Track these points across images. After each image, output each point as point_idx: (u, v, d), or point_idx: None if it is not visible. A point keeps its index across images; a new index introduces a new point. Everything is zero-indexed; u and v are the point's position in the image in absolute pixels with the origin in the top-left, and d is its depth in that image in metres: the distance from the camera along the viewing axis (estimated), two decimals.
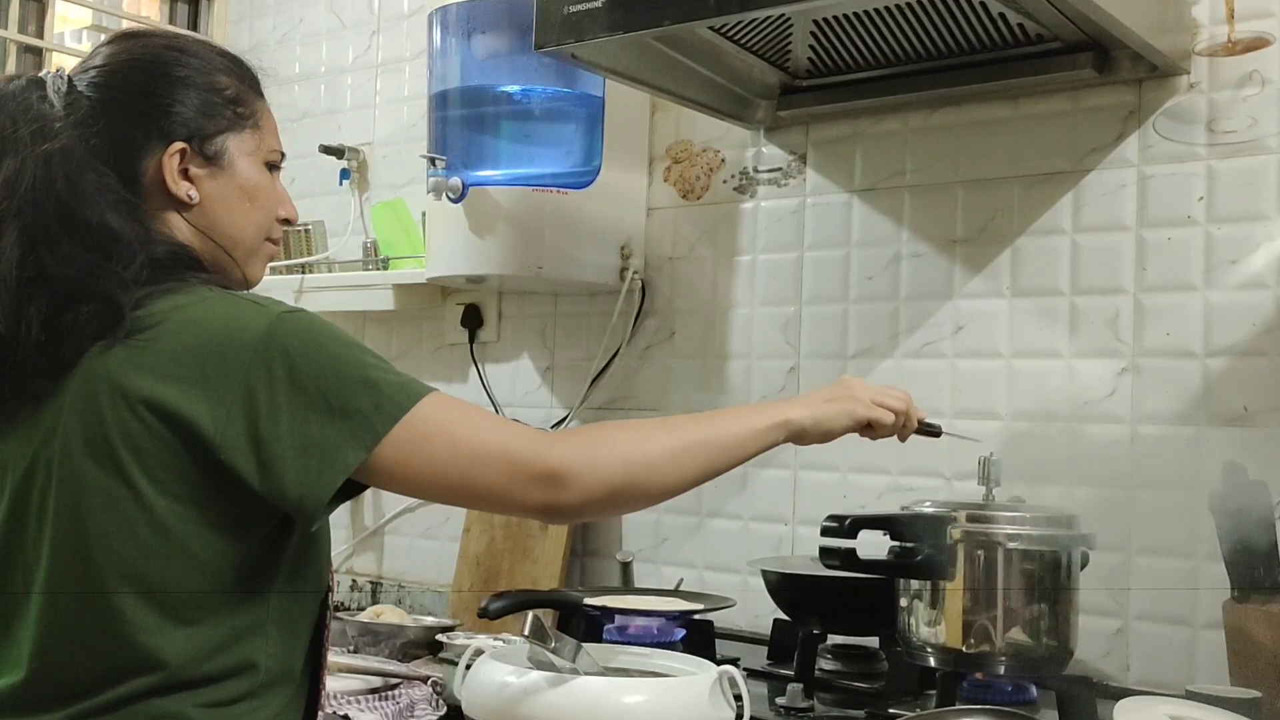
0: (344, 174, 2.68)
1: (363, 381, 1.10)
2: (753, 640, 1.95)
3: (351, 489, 1.12)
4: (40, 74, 1.21)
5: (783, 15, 1.69)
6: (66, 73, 1.21)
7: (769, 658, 1.84)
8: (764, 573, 1.84)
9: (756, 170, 2.16)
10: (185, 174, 1.20)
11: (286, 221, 1.30)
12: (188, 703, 1.10)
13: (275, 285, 2.65)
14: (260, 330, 1.09)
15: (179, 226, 1.20)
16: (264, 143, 1.28)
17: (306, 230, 2.68)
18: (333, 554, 2.66)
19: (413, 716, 1.63)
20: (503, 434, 1.14)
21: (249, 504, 1.10)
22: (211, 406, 1.07)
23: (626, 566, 2.17)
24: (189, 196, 1.20)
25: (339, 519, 2.64)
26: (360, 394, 1.09)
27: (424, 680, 1.73)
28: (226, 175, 1.23)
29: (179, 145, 1.19)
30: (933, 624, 1.52)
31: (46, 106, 1.17)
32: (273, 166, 1.29)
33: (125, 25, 3.00)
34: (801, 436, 1.34)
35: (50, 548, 1.11)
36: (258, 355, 1.08)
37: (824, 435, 1.36)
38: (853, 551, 1.52)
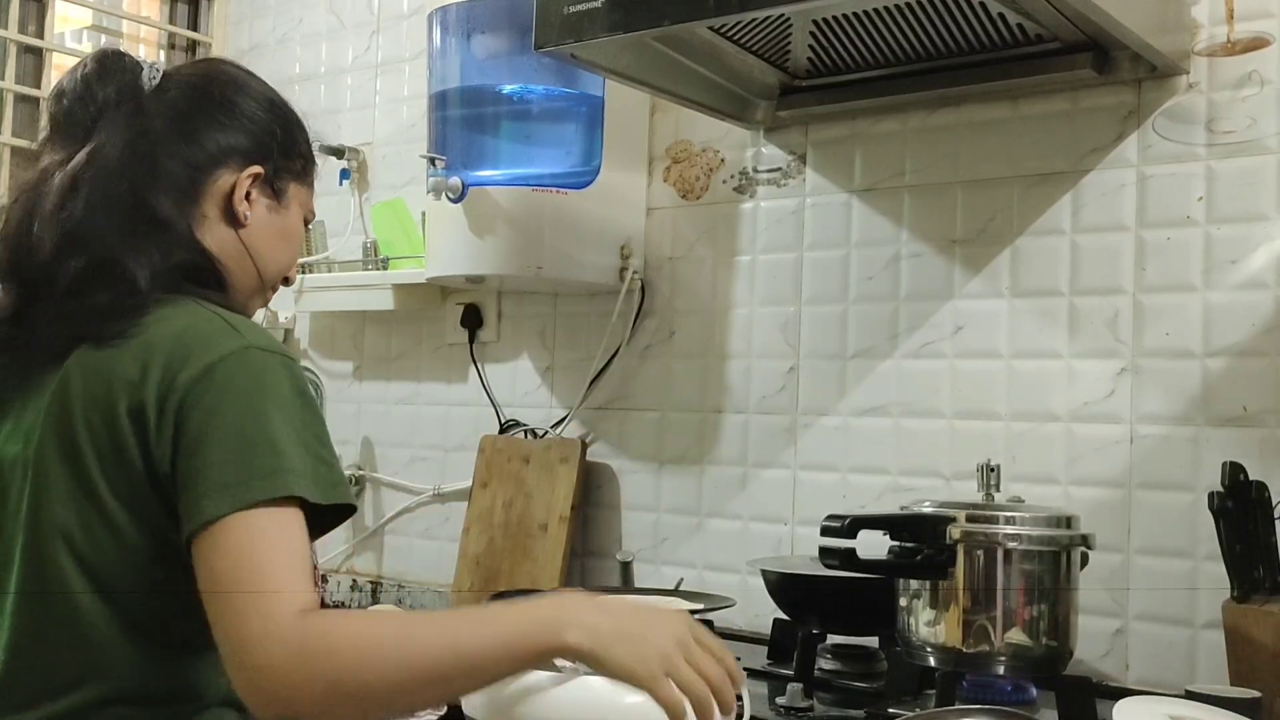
0: (344, 174, 2.68)
1: (269, 447, 1.08)
2: (753, 640, 1.95)
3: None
4: (138, 60, 1.28)
5: (782, 15, 1.69)
6: (161, 68, 1.29)
7: (769, 657, 1.84)
8: (764, 572, 1.85)
9: (756, 170, 2.16)
10: (248, 196, 1.28)
11: (286, 281, 1.38)
12: (140, 717, 1.11)
13: None
14: (221, 354, 1.11)
15: (222, 239, 1.27)
16: (309, 201, 1.38)
17: (306, 230, 2.68)
18: (333, 554, 2.67)
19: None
20: (264, 596, 1.02)
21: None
22: (157, 411, 1.10)
23: (626, 566, 2.17)
24: (244, 216, 1.28)
25: None
26: (261, 459, 1.07)
27: None
28: (279, 213, 1.32)
29: (258, 169, 1.29)
30: (932, 624, 1.52)
31: (143, 88, 1.25)
32: (306, 222, 1.39)
33: (125, 25, 3.00)
34: (565, 657, 1.12)
35: (21, 547, 1.14)
36: (205, 380, 1.10)
37: (606, 673, 1.11)
38: (853, 551, 1.52)
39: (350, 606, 2.50)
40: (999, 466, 1.59)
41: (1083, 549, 1.55)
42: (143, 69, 1.27)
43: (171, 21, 3.03)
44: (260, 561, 1.04)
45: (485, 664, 1.08)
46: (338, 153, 2.66)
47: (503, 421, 2.43)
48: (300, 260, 2.61)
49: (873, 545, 1.53)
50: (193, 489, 1.07)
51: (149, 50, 3.04)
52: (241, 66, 1.38)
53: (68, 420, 1.13)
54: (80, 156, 1.21)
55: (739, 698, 1.35)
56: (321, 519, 1.13)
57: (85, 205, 1.18)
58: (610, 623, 1.09)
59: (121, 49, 1.31)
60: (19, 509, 1.14)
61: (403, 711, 1.13)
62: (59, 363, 1.15)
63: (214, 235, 1.27)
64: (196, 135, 1.26)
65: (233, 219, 1.27)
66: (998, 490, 1.58)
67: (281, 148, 1.32)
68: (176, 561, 1.09)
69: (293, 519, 1.08)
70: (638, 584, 2.16)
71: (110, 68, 1.26)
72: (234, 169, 1.28)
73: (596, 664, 1.09)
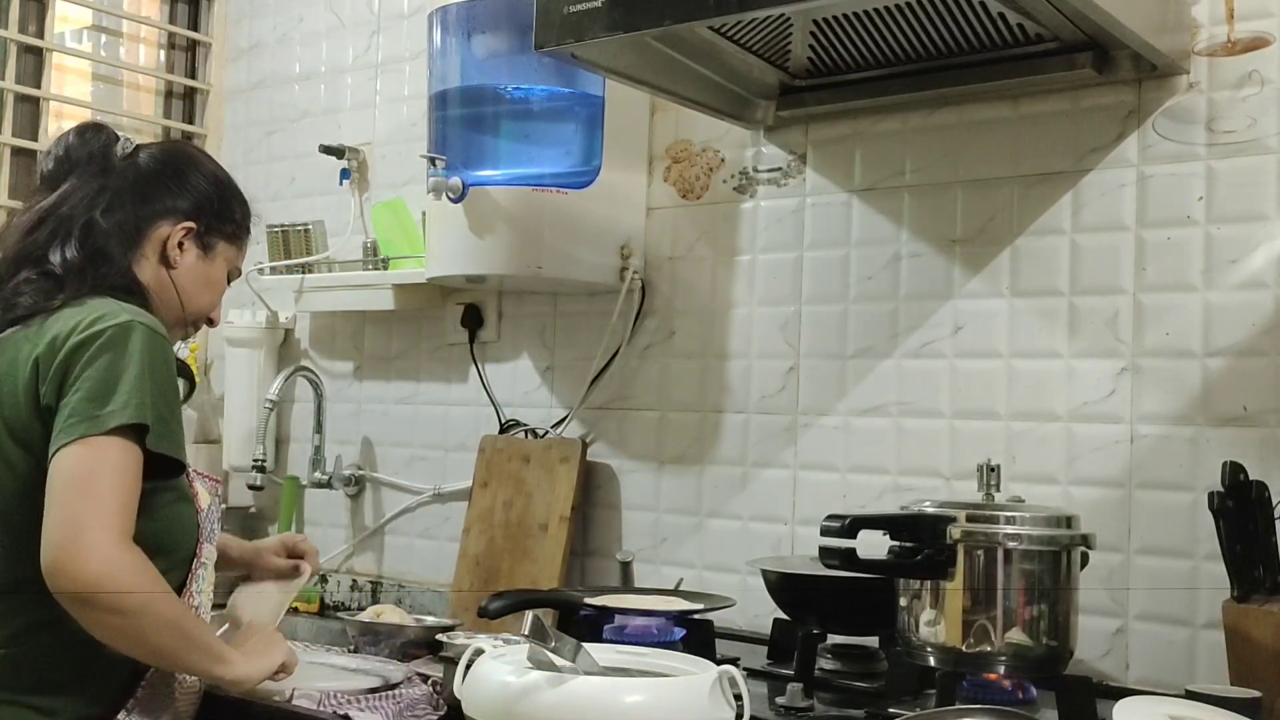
0: (344, 174, 2.68)
1: (130, 392, 1.38)
2: (753, 640, 1.95)
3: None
4: (116, 134, 1.64)
5: (782, 15, 1.69)
6: (136, 143, 1.65)
7: (769, 657, 1.84)
8: (764, 572, 1.85)
9: (756, 170, 2.16)
10: (180, 245, 1.61)
11: (210, 322, 1.70)
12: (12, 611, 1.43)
13: (276, 285, 2.66)
14: (113, 323, 1.42)
15: (155, 276, 1.59)
16: (235, 259, 1.70)
17: (306, 230, 2.68)
18: (333, 554, 2.67)
19: (413, 716, 1.63)
20: (112, 505, 1.35)
21: None
22: (49, 358, 1.41)
23: (626, 566, 2.18)
24: (175, 260, 1.60)
25: (339, 517, 2.64)
26: (121, 398, 1.37)
27: (424, 680, 1.73)
28: (206, 262, 1.64)
29: (191, 224, 1.62)
30: (932, 624, 1.52)
31: (115, 156, 1.60)
32: (229, 280, 1.70)
33: (125, 25, 3.00)
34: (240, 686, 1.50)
35: None
36: (95, 334, 1.41)
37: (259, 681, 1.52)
38: (853, 551, 1.52)
39: (350, 606, 2.50)
40: (999, 466, 1.59)
41: (1083, 549, 1.55)
42: (118, 140, 1.62)
43: (171, 21, 3.03)
44: (96, 481, 1.35)
45: (185, 660, 1.44)
46: (338, 152, 2.66)
47: (503, 421, 2.43)
48: (300, 260, 2.65)
49: (873, 545, 1.53)
50: (60, 418, 1.38)
51: (149, 50, 3.04)
52: (201, 150, 1.77)
53: None
54: (48, 200, 1.57)
55: (738, 697, 1.35)
56: (154, 469, 1.43)
57: (46, 237, 1.53)
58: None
59: (101, 123, 1.67)
60: None
61: (143, 652, 1.42)
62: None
63: (148, 272, 1.58)
64: (148, 193, 1.60)
65: (165, 261, 1.60)
66: (998, 490, 1.59)
67: (216, 213, 1.64)
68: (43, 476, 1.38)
69: (129, 453, 1.38)
70: (638, 584, 2.16)
71: (89, 138, 1.61)
72: (171, 222, 1.60)
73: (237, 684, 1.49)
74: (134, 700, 1.45)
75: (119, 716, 1.45)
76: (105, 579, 1.33)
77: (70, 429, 1.37)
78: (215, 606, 1.63)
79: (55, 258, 1.52)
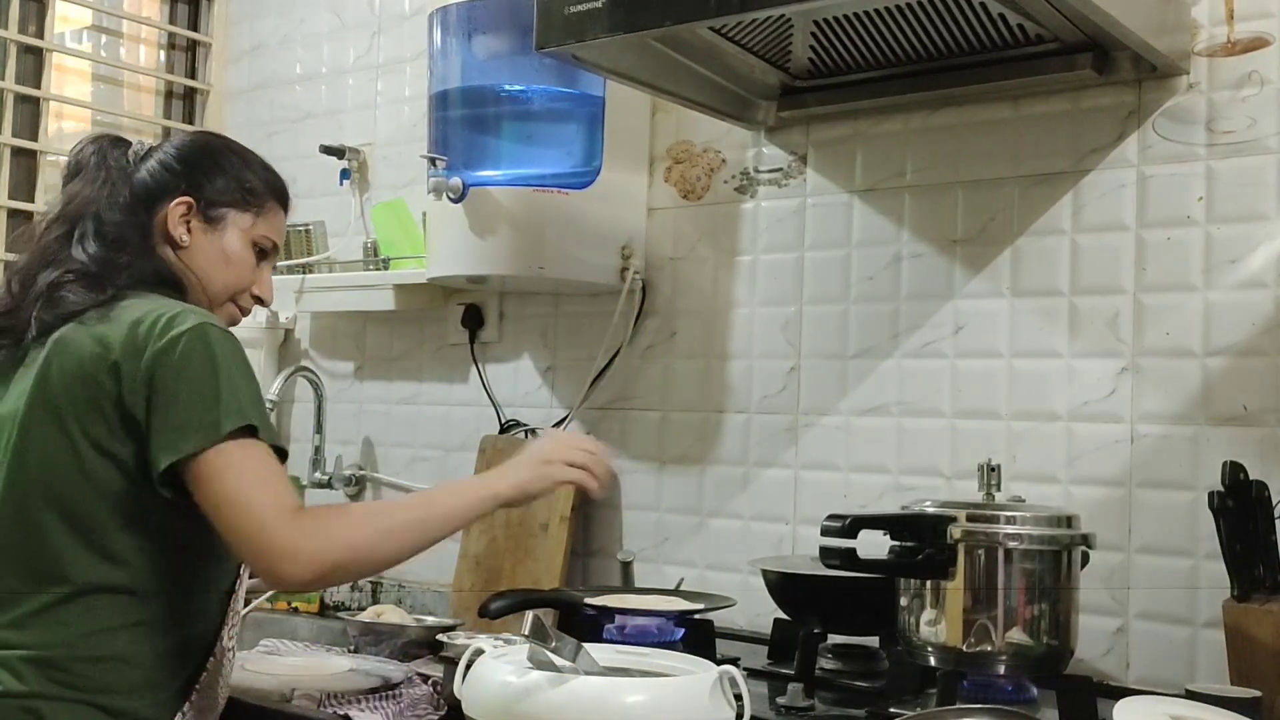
0: (344, 174, 2.68)
1: (230, 395, 1.38)
2: (753, 640, 1.95)
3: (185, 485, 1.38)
4: (129, 139, 1.63)
5: (783, 16, 1.69)
6: (150, 145, 1.62)
7: (769, 657, 1.84)
8: (764, 572, 1.85)
9: (757, 170, 2.16)
10: (186, 223, 1.56)
11: (259, 301, 1.65)
12: (88, 611, 1.39)
13: (276, 285, 2.65)
14: (184, 328, 1.39)
15: (170, 260, 1.55)
16: (257, 228, 1.62)
17: (307, 230, 2.68)
18: None
19: (413, 716, 1.63)
20: (271, 497, 1.37)
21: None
22: (132, 370, 1.38)
23: (627, 566, 2.18)
24: (180, 239, 1.55)
25: None
26: (223, 403, 1.37)
27: (424, 680, 1.73)
28: (214, 236, 1.58)
29: (187, 199, 1.56)
30: (933, 623, 1.52)
31: (121, 159, 1.58)
32: (261, 251, 1.63)
33: (125, 26, 3.00)
34: (510, 504, 1.58)
35: (2, 483, 1.42)
36: (172, 345, 1.38)
37: (530, 499, 1.61)
38: (853, 551, 1.52)
39: (350, 607, 2.50)
40: (999, 466, 1.59)
41: (1083, 548, 1.55)
42: (131, 145, 1.60)
43: (172, 21, 3.03)
44: (251, 477, 1.36)
45: (439, 519, 1.50)
46: (339, 153, 2.66)
47: (504, 421, 2.43)
48: (301, 260, 2.65)
49: (873, 545, 1.54)
50: (170, 429, 1.36)
51: (149, 50, 3.04)
52: (223, 136, 1.69)
53: (51, 384, 1.41)
54: (53, 205, 1.57)
55: (738, 697, 1.35)
56: None
57: (61, 236, 1.52)
58: (519, 469, 1.58)
59: (120, 136, 1.63)
60: (5, 454, 1.43)
61: (392, 558, 1.48)
62: (41, 342, 1.45)
63: (170, 260, 1.55)
64: (151, 185, 1.56)
65: (171, 241, 1.55)
66: (998, 490, 1.59)
67: (219, 185, 1.58)
68: (132, 487, 1.39)
69: (260, 446, 1.39)
70: (638, 584, 2.16)
71: (103, 144, 1.60)
72: (169, 201, 1.56)
73: (523, 495, 1.58)
74: (189, 704, 1.46)
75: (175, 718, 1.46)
76: (315, 562, 1.35)
77: (177, 443, 1.36)
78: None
79: (79, 254, 1.50)
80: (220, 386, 1.38)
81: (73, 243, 1.51)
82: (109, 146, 1.60)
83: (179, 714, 1.45)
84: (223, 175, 1.59)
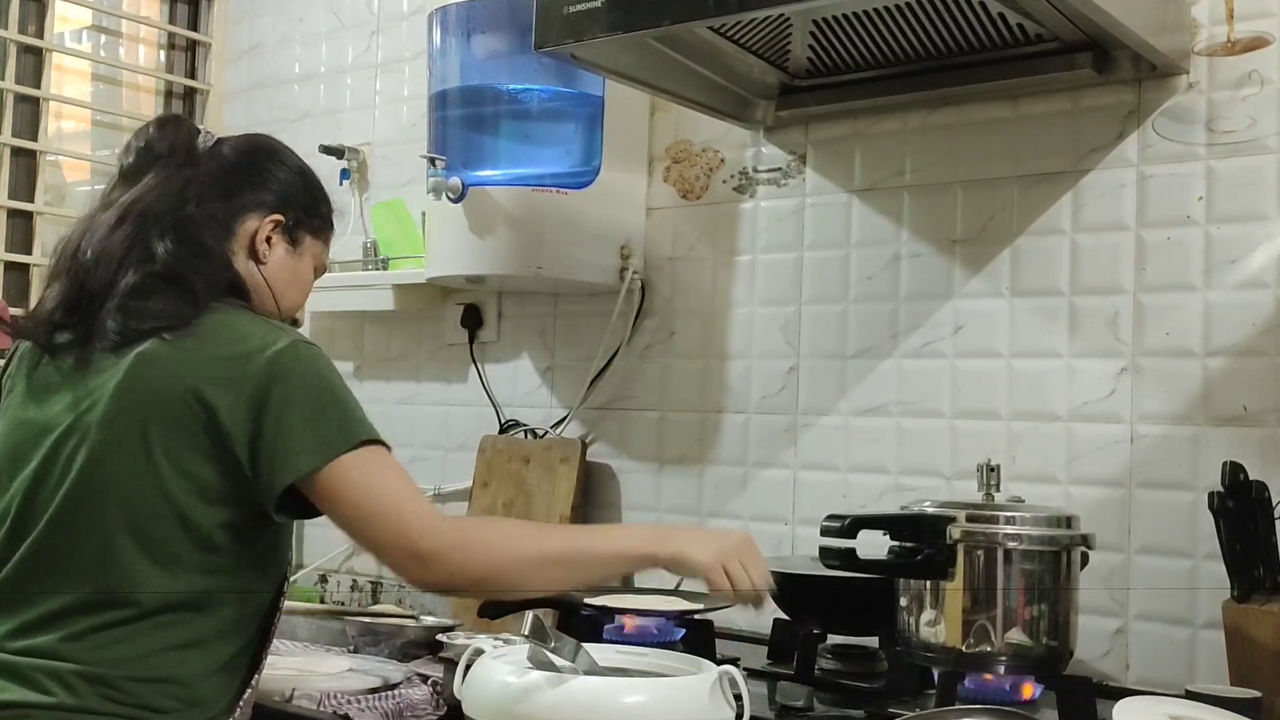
0: (344, 174, 2.68)
1: (341, 410, 1.38)
2: (753, 640, 1.94)
3: (304, 505, 1.38)
4: (196, 126, 1.58)
5: (782, 15, 1.69)
6: (217, 135, 1.58)
7: (769, 657, 1.83)
8: None
9: (756, 170, 2.16)
10: (269, 240, 1.54)
11: (296, 322, 1.63)
12: (149, 631, 1.36)
13: None
14: (279, 348, 1.38)
15: (248, 272, 1.52)
16: (321, 254, 1.64)
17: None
18: (333, 554, 2.67)
19: (413, 717, 1.63)
20: (409, 502, 1.39)
21: (237, 485, 1.36)
22: (229, 397, 1.35)
23: None
24: (264, 255, 1.53)
25: None
26: (336, 419, 1.37)
27: (424, 680, 1.73)
28: (294, 257, 1.58)
29: (279, 218, 1.55)
30: (933, 624, 1.52)
31: (197, 148, 1.54)
32: (317, 271, 1.64)
33: (125, 25, 3.00)
34: (670, 568, 1.51)
35: (64, 496, 1.37)
36: (272, 367, 1.36)
37: (686, 573, 1.54)
38: (853, 551, 1.52)
39: (350, 607, 2.50)
40: (999, 466, 1.59)
41: (1083, 549, 1.55)
42: (199, 132, 1.56)
43: (171, 21, 3.03)
44: (387, 486, 1.38)
45: (598, 560, 1.48)
46: (338, 153, 2.66)
47: (503, 421, 2.43)
48: None
49: (873, 545, 1.53)
50: (279, 451, 1.34)
51: (149, 50, 3.04)
52: (282, 143, 1.64)
53: (138, 403, 1.37)
54: (132, 193, 1.48)
55: (738, 697, 1.35)
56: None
57: (136, 231, 1.44)
58: (689, 536, 1.57)
59: (180, 115, 1.59)
60: (69, 466, 1.37)
61: (533, 588, 1.46)
62: (118, 351, 1.39)
63: (241, 269, 1.51)
64: (235, 186, 1.53)
65: (254, 256, 1.53)
66: (998, 490, 1.58)
67: (303, 207, 1.58)
68: (211, 512, 1.37)
69: (385, 452, 1.41)
70: (637, 583, 2.16)
71: (169, 130, 1.54)
72: (259, 216, 1.53)
73: (684, 564, 1.48)
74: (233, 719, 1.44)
75: None
76: (450, 579, 1.39)
77: (292, 465, 1.34)
78: None
79: (159, 250, 1.43)
80: (334, 400, 1.38)
81: (152, 239, 1.44)
82: (183, 133, 1.55)
83: None
84: (312, 202, 1.61)
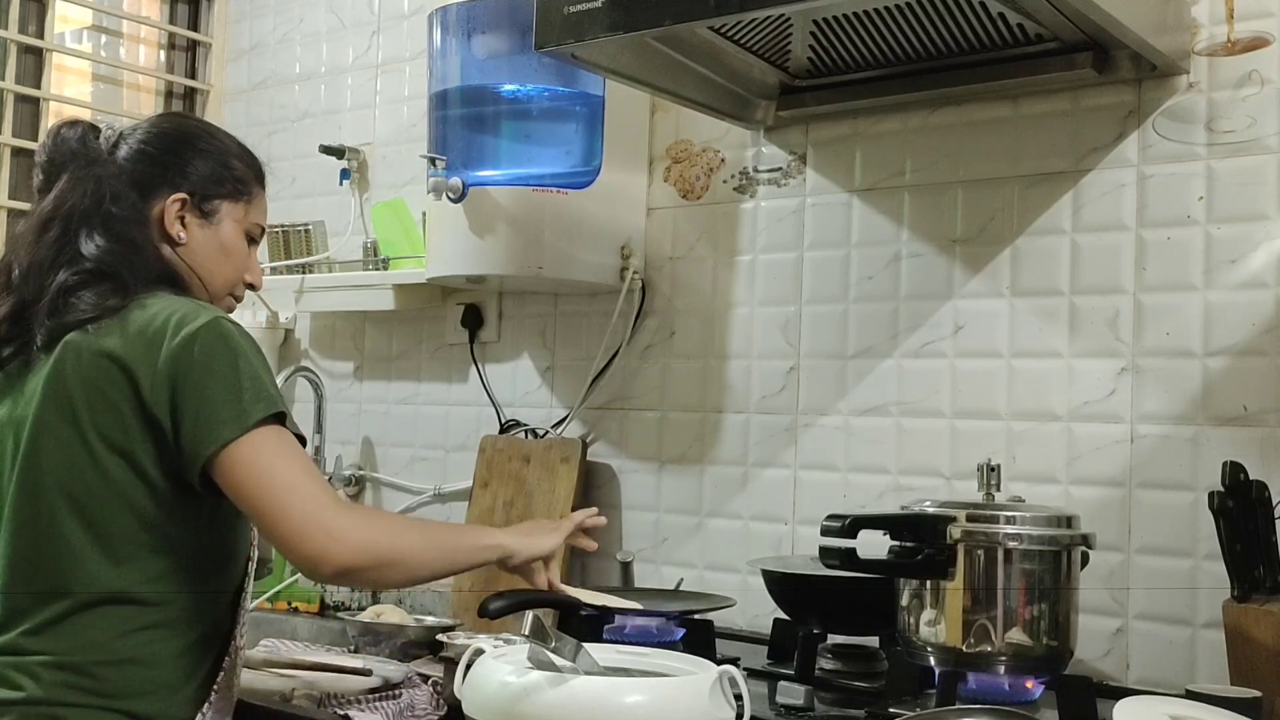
0: (344, 174, 2.68)
1: (254, 383, 1.39)
2: (753, 640, 1.95)
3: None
4: (97, 124, 1.57)
5: (782, 15, 1.69)
6: (120, 128, 1.57)
7: (769, 657, 1.84)
8: (764, 572, 1.85)
9: (756, 170, 2.16)
10: (182, 219, 1.53)
11: (251, 286, 1.63)
12: (110, 615, 1.39)
13: (276, 285, 2.66)
14: (199, 324, 1.39)
15: (169, 257, 1.52)
16: (249, 216, 1.60)
17: (306, 230, 2.68)
18: None
19: (413, 716, 1.63)
20: (320, 481, 1.41)
21: (169, 459, 1.38)
22: (149, 370, 1.37)
23: (627, 566, 2.17)
24: (178, 236, 1.53)
25: None
26: (250, 391, 1.38)
27: (424, 680, 1.73)
28: (212, 230, 1.56)
29: (181, 195, 1.53)
30: (933, 624, 1.52)
31: (99, 146, 1.54)
32: (252, 239, 1.61)
33: (125, 26, 3.00)
34: (509, 559, 1.61)
35: (13, 492, 1.42)
36: (190, 340, 1.38)
37: (528, 559, 1.63)
38: (853, 551, 1.52)
39: (350, 607, 2.50)
40: (999, 466, 1.59)
41: (1083, 548, 1.55)
42: (98, 131, 1.56)
43: (172, 21, 3.03)
44: (283, 467, 1.37)
45: (460, 552, 1.55)
46: (338, 153, 2.66)
47: (503, 421, 2.43)
48: (300, 260, 2.65)
49: (873, 545, 1.54)
50: (202, 421, 1.36)
51: (149, 50, 3.04)
52: (193, 116, 1.63)
53: (64, 387, 1.40)
54: (48, 201, 1.51)
55: (738, 697, 1.35)
56: None
57: (61, 234, 1.47)
58: (518, 531, 1.66)
59: (75, 118, 1.59)
60: (14, 461, 1.42)
61: (421, 578, 1.51)
62: (49, 348, 1.42)
63: (169, 256, 1.52)
64: (142, 175, 1.53)
65: (168, 239, 1.52)
66: (998, 490, 1.59)
67: (208, 176, 1.56)
68: (148, 488, 1.39)
69: (287, 434, 1.40)
70: (638, 584, 2.16)
71: (66, 134, 1.55)
72: (164, 198, 1.53)
73: (525, 551, 1.61)
74: (209, 704, 1.45)
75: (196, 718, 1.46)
76: (355, 554, 1.37)
77: (214, 434, 1.36)
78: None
79: (88, 250, 1.46)
80: (244, 377, 1.38)
81: (80, 239, 1.47)
82: (79, 135, 1.55)
83: (200, 715, 1.44)
84: (209, 165, 1.56)
